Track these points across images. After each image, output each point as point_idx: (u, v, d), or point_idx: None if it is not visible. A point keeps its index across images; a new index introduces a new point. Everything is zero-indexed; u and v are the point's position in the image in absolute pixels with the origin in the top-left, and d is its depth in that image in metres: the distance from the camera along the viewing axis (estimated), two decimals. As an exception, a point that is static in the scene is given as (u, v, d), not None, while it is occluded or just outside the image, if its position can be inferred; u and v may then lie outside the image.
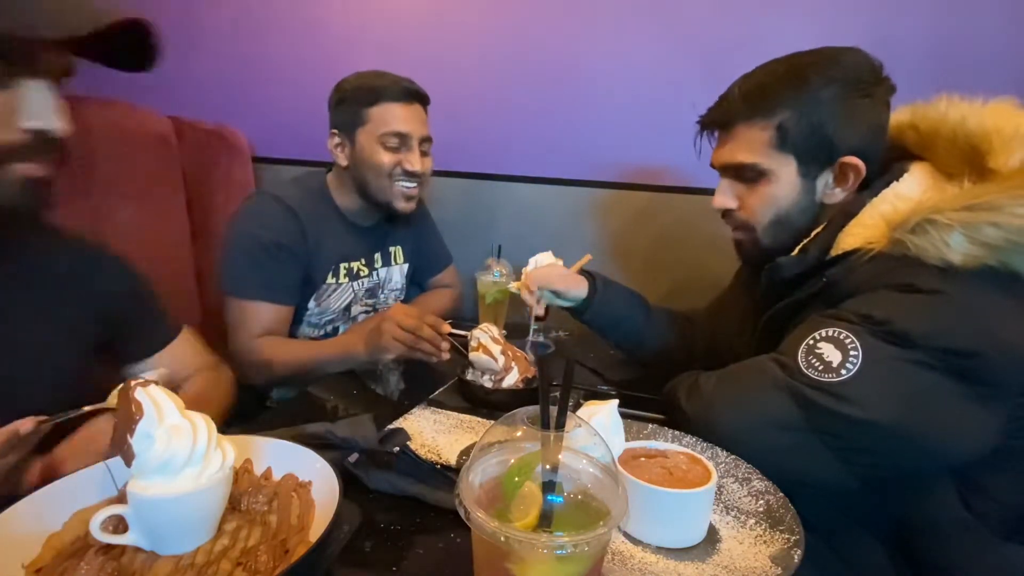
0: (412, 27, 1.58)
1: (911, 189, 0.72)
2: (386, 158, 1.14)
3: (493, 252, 1.41)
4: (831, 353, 0.66)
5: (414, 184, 1.19)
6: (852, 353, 0.65)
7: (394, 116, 1.14)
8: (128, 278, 0.82)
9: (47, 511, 0.47)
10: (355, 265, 1.25)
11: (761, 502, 0.65)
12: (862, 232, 0.71)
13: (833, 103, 0.73)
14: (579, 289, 1.05)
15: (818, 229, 0.78)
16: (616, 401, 0.65)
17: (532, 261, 1.19)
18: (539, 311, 1.07)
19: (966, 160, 0.68)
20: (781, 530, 0.60)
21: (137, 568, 0.44)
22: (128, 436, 0.44)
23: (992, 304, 0.62)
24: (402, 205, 1.19)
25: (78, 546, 0.45)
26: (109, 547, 0.45)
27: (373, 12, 1.60)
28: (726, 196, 0.83)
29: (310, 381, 1.03)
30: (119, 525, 0.45)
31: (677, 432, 0.79)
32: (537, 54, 1.52)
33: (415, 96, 1.17)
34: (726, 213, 0.85)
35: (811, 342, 0.68)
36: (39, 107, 0.56)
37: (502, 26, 1.53)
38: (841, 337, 0.66)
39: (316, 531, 0.47)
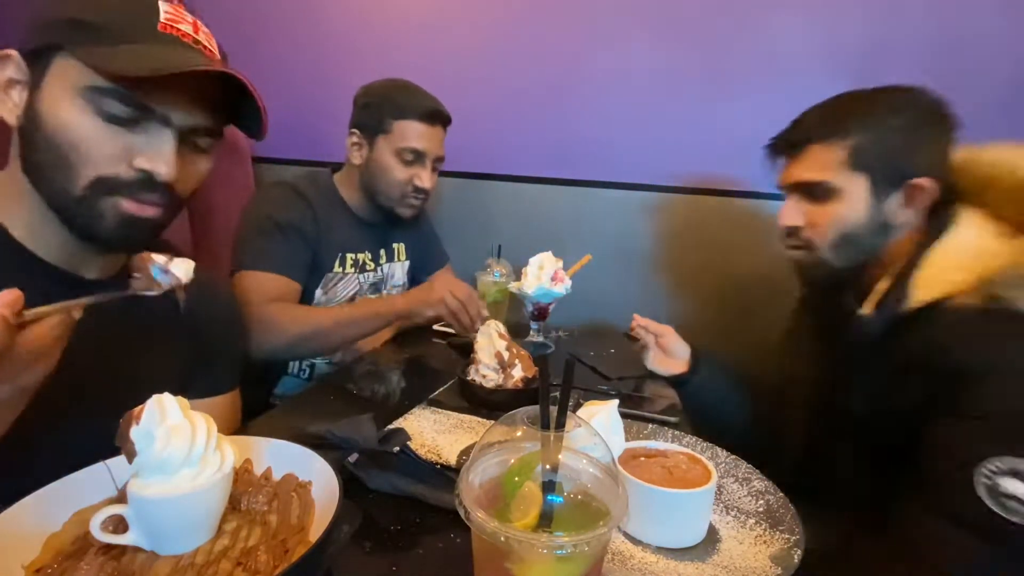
0: (412, 27, 1.58)
1: (975, 238, 0.73)
2: (400, 173, 1.20)
3: (493, 252, 1.41)
4: (1014, 486, 0.58)
5: (420, 199, 1.25)
6: None
7: (416, 133, 1.19)
8: (235, 321, 0.83)
9: (47, 511, 0.47)
10: (361, 257, 1.28)
11: (761, 502, 0.65)
12: (937, 283, 0.72)
13: (905, 129, 0.77)
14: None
15: (884, 284, 0.78)
16: (616, 401, 0.65)
17: (532, 261, 1.20)
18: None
19: None
20: (781, 530, 0.60)
21: (137, 568, 0.44)
22: (130, 432, 0.44)
23: None
24: (405, 213, 1.26)
25: (78, 546, 0.45)
26: (109, 547, 0.45)
27: (373, 12, 1.61)
28: (794, 213, 0.85)
29: (335, 345, 1.08)
30: (119, 525, 0.45)
31: (677, 432, 0.80)
32: (537, 54, 1.52)
33: (439, 118, 1.22)
34: (791, 232, 0.87)
35: (987, 482, 0.58)
36: (155, 151, 0.57)
37: (502, 26, 1.53)
38: (1017, 467, 0.58)
39: (316, 531, 0.47)
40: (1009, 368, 0.62)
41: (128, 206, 0.58)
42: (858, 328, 0.79)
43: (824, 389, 0.90)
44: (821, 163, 0.81)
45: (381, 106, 1.20)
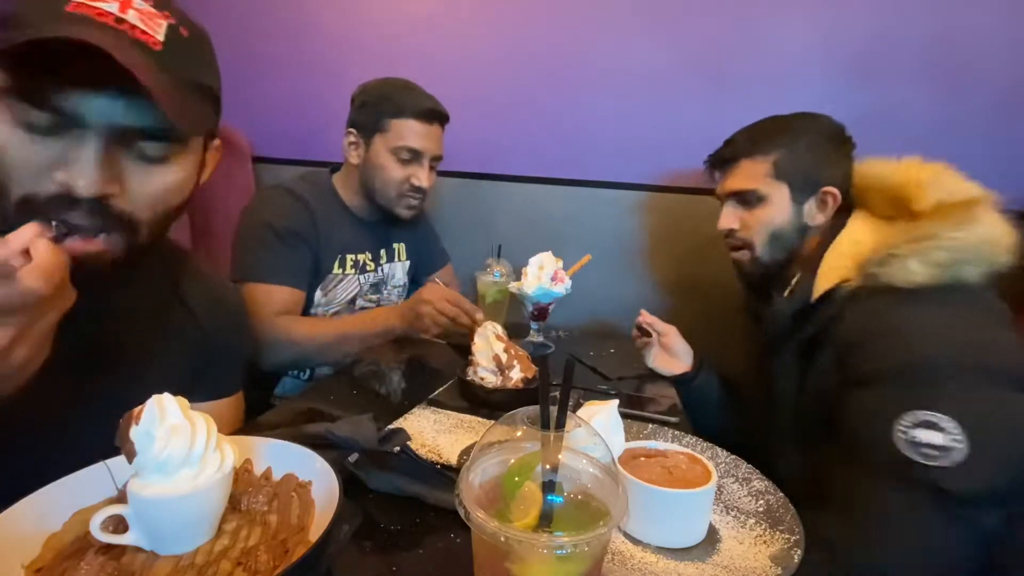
0: (412, 27, 1.58)
1: (860, 233, 0.87)
2: (397, 172, 1.20)
3: (493, 252, 1.41)
4: (931, 436, 0.66)
5: (419, 198, 1.25)
6: (945, 425, 0.66)
7: (413, 132, 1.19)
8: (240, 324, 0.82)
9: (47, 511, 0.47)
10: (361, 258, 1.27)
11: (761, 502, 0.65)
12: (833, 272, 0.86)
13: (817, 146, 0.95)
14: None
15: (796, 277, 0.93)
16: (616, 401, 0.65)
17: (532, 261, 1.20)
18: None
19: (895, 205, 0.85)
20: (781, 530, 0.60)
21: (137, 568, 0.44)
22: (130, 432, 0.44)
23: (955, 312, 0.75)
24: (404, 213, 1.26)
25: (78, 546, 0.45)
26: (109, 547, 0.45)
27: (373, 12, 1.61)
28: (729, 218, 1.01)
29: (337, 358, 1.08)
30: (119, 525, 0.45)
31: (677, 432, 0.80)
32: (537, 54, 1.52)
33: (436, 116, 1.21)
34: (729, 234, 1.02)
35: (904, 437, 0.67)
36: (74, 161, 0.49)
37: (502, 26, 1.53)
38: (923, 419, 0.67)
39: (316, 531, 0.47)
40: (889, 330, 0.75)
41: (70, 243, 0.50)
42: (772, 314, 0.94)
43: (762, 382, 1.01)
44: (750, 174, 0.97)
45: (378, 105, 1.19)
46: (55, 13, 0.48)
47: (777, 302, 0.94)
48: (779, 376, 0.94)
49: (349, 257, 1.25)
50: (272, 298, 1.10)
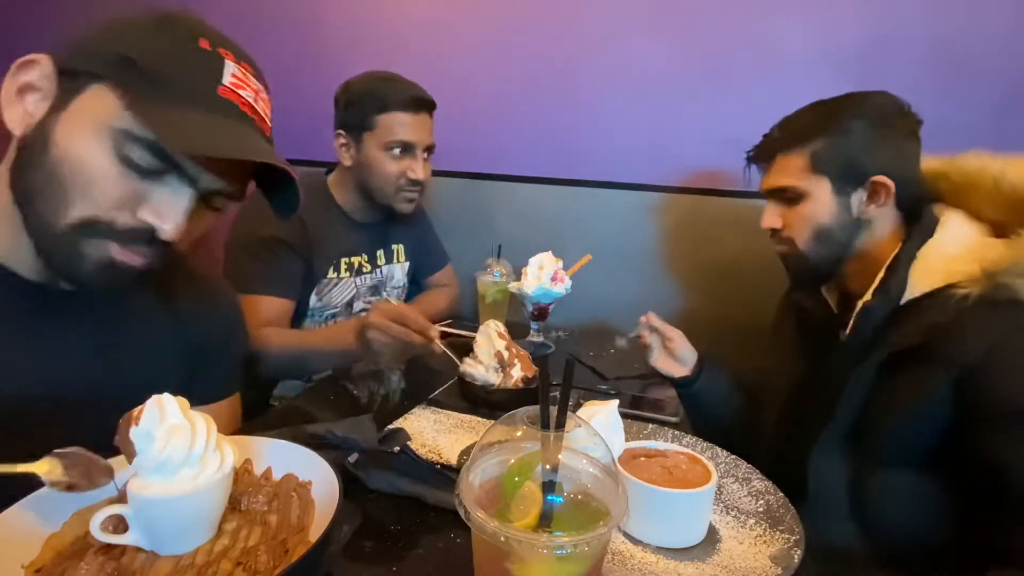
0: (412, 27, 1.58)
1: (969, 235, 0.78)
2: (391, 167, 1.17)
3: (493, 252, 1.41)
4: None
5: (416, 191, 1.22)
6: None
7: (401, 125, 1.15)
8: (235, 325, 0.82)
9: (47, 511, 0.47)
10: (356, 260, 1.26)
11: (761, 502, 0.65)
12: (936, 275, 0.76)
13: (860, 132, 0.83)
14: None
15: (881, 273, 0.83)
16: (616, 401, 0.65)
17: (532, 261, 1.20)
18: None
19: (1013, 209, 0.75)
20: (781, 530, 0.60)
21: (137, 568, 0.44)
22: (130, 433, 0.44)
23: None
24: (403, 207, 1.23)
25: (78, 546, 0.45)
26: (109, 547, 0.45)
27: (373, 12, 1.61)
28: (772, 216, 0.93)
29: (308, 372, 1.05)
30: (119, 525, 0.45)
31: (677, 432, 0.80)
32: (537, 54, 1.52)
33: (423, 104, 1.18)
34: (773, 232, 0.94)
35: None
36: (167, 207, 0.54)
37: (502, 26, 1.53)
38: None
39: (316, 531, 0.47)
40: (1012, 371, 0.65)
41: (116, 252, 0.54)
42: (860, 317, 0.83)
43: (807, 386, 0.93)
44: (787, 170, 0.89)
45: (363, 102, 1.16)
46: (208, 93, 0.54)
47: (871, 301, 0.82)
48: (847, 384, 0.81)
49: (344, 261, 1.23)
50: (258, 308, 1.08)
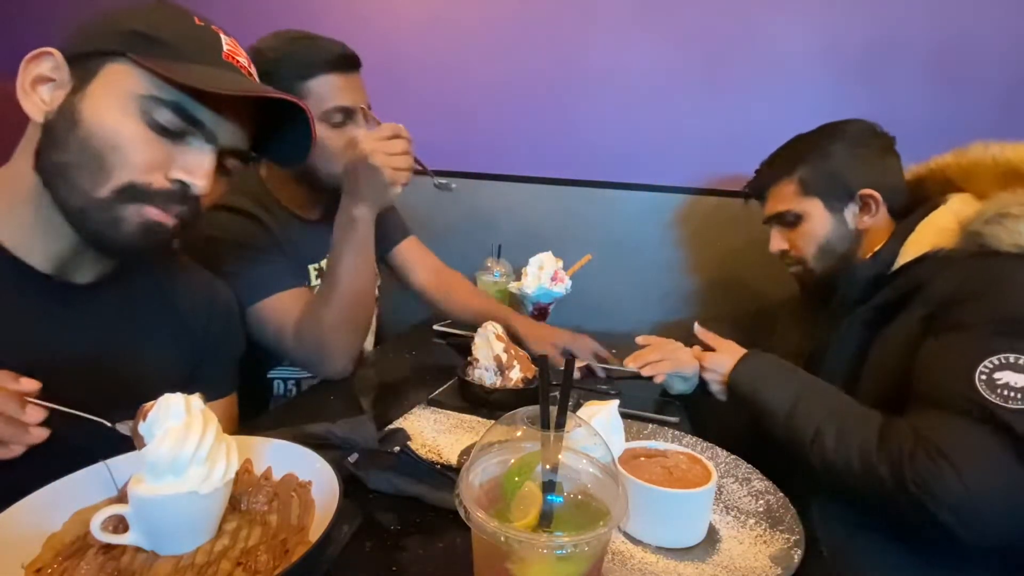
0: (412, 27, 1.58)
1: (961, 203, 0.85)
2: (336, 140, 0.97)
3: (493, 252, 1.41)
4: (1014, 378, 0.66)
5: None
6: None
7: (336, 88, 0.96)
8: (232, 325, 0.82)
9: (47, 511, 0.47)
10: (324, 264, 1.10)
11: (761, 502, 0.65)
12: (925, 241, 0.85)
13: (839, 153, 0.95)
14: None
15: (880, 245, 0.92)
16: (616, 401, 0.65)
17: (532, 261, 1.20)
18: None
19: (1007, 180, 0.82)
20: (781, 530, 0.60)
21: (137, 568, 0.44)
22: (138, 427, 0.44)
23: None
24: None
25: (78, 546, 0.45)
26: (109, 547, 0.45)
27: (373, 12, 1.60)
28: (778, 241, 1.04)
29: (357, 280, 0.92)
30: (119, 525, 0.45)
31: (677, 432, 0.80)
32: (538, 54, 1.52)
33: (354, 62, 1.00)
34: (782, 254, 1.05)
35: (983, 378, 0.67)
36: (195, 164, 0.59)
37: (502, 26, 1.53)
38: (1011, 360, 0.67)
39: (316, 531, 0.47)
40: (993, 285, 0.73)
41: (153, 213, 0.58)
42: (851, 272, 0.93)
43: (808, 355, 0.99)
44: (780, 197, 1.01)
45: (279, 71, 0.92)
46: (216, 56, 0.61)
47: (858, 266, 0.93)
48: (835, 346, 0.92)
49: (312, 268, 1.09)
50: (285, 305, 0.95)
